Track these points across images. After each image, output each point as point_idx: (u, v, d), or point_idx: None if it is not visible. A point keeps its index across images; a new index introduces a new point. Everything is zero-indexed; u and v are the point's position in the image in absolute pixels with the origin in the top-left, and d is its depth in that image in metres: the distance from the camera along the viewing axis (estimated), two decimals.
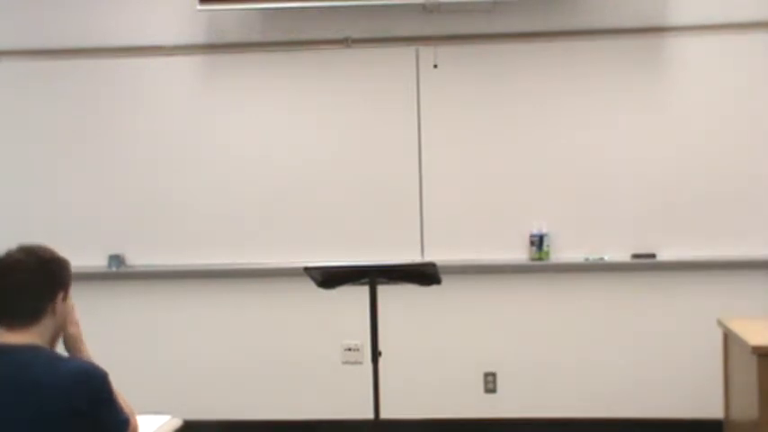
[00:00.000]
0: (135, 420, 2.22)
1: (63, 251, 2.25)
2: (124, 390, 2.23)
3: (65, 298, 2.21)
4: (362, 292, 3.40)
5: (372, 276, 3.38)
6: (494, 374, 4.66)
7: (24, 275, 2.14)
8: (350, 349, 4.67)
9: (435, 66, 4.55)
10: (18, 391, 2.03)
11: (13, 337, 2.12)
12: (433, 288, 3.55)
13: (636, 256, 4.52)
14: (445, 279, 3.52)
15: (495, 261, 4.58)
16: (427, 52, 4.56)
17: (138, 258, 4.77)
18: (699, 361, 4.40)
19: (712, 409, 4.10)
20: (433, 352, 4.65)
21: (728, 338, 3.86)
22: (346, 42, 4.61)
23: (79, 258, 4.34)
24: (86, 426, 2.05)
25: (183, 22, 4.67)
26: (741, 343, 3.52)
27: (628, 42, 4.50)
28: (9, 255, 2.16)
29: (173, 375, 4.73)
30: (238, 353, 4.73)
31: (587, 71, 4.54)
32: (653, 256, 4.51)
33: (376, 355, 3.39)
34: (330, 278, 3.49)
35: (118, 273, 4.74)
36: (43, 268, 2.16)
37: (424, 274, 3.50)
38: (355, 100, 4.65)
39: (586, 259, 4.55)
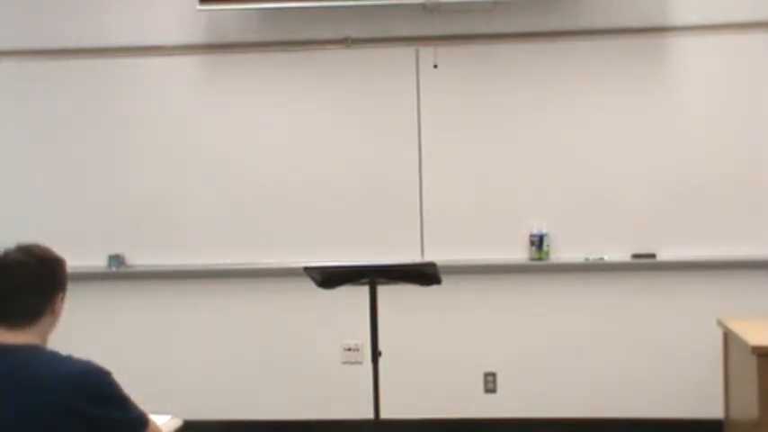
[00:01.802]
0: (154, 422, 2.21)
1: (63, 251, 2.25)
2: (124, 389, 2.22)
3: (63, 297, 2.21)
4: (362, 292, 3.40)
5: (372, 276, 3.38)
6: (494, 374, 4.66)
7: (26, 275, 2.12)
8: (350, 349, 4.66)
9: (435, 66, 4.54)
10: (18, 390, 2.02)
11: (14, 337, 2.11)
12: (433, 288, 3.56)
13: (636, 256, 4.52)
14: (445, 279, 3.52)
15: (495, 261, 4.58)
16: (427, 52, 4.56)
17: (138, 258, 4.77)
18: (699, 361, 4.40)
19: (712, 409, 4.10)
20: (433, 352, 4.65)
21: (728, 338, 3.86)
22: (346, 42, 4.61)
23: (79, 258, 4.41)
24: (87, 425, 2.04)
25: (183, 22, 4.67)
26: (741, 343, 3.52)
27: (628, 42, 4.49)
28: (8, 254, 2.15)
29: (173, 375, 4.72)
30: (238, 353, 4.72)
31: (587, 71, 4.53)
32: (653, 256, 4.51)
33: (376, 355, 3.40)
34: (330, 278, 3.50)
35: (118, 273, 4.73)
36: (44, 268, 2.15)
37: (424, 274, 3.50)
38: (355, 100, 4.65)
39: (586, 259, 4.54)
